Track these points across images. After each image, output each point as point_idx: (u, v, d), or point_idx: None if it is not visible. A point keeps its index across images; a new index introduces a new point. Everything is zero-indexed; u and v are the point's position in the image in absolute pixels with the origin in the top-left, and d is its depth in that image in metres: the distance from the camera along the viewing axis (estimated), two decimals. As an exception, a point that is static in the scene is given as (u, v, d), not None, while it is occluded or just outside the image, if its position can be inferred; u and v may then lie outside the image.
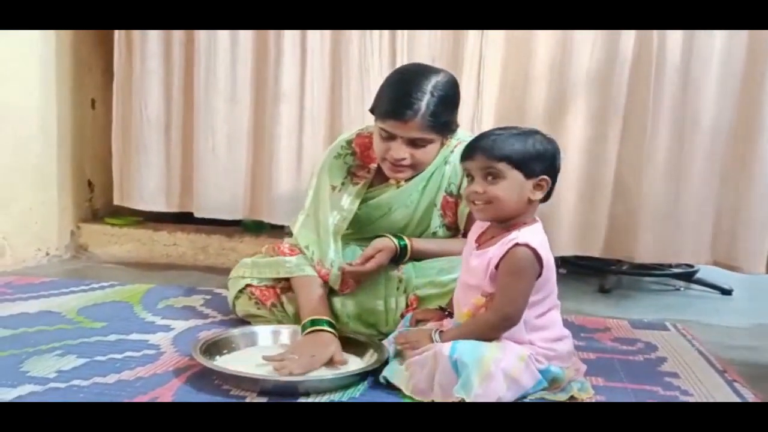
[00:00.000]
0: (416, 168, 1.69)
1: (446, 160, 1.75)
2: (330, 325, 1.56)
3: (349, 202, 1.76)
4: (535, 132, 1.37)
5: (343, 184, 1.77)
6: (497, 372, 1.26)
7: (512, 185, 1.32)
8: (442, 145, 1.70)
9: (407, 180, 1.74)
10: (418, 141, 1.62)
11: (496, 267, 1.32)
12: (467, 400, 1.24)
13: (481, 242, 1.41)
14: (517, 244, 1.31)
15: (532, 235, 1.33)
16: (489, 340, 1.32)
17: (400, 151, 1.62)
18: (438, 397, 1.30)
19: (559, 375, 1.35)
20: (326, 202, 1.76)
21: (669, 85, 2.25)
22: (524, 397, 1.32)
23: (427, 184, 1.76)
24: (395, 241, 1.71)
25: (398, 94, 1.60)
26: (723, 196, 2.28)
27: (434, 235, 1.78)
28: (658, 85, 2.25)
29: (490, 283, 1.34)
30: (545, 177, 1.34)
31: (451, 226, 1.80)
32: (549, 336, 1.37)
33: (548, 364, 1.34)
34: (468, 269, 1.42)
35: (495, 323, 1.33)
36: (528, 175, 1.33)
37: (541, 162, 1.33)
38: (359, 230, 1.83)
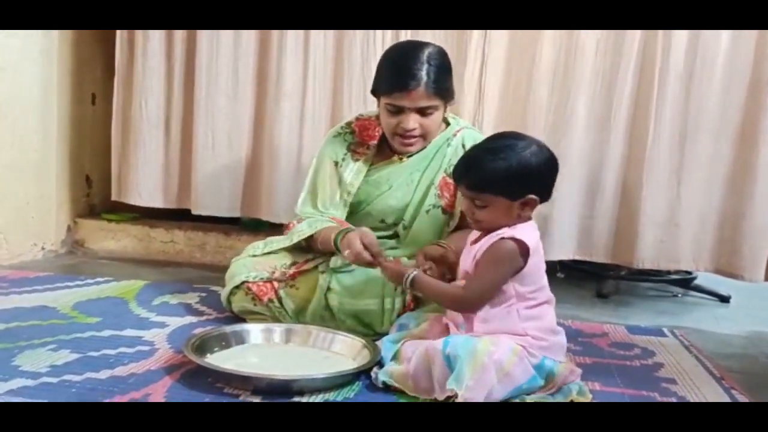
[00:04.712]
0: (426, 138, 1.78)
1: (448, 143, 1.82)
2: None
3: (351, 176, 1.83)
4: (526, 146, 1.36)
5: (344, 159, 1.84)
6: (490, 364, 1.27)
7: (497, 209, 1.36)
8: (445, 110, 1.78)
9: (411, 155, 1.81)
10: (425, 109, 1.71)
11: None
12: (459, 393, 1.24)
13: (476, 241, 1.44)
14: (502, 238, 1.35)
15: (520, 231, 1.36)
16: (444, 306, 1.45)
17: (410, 121, 1.71)
18: (438, 394, 1.31)
19: (553, 370, 1.35)
20: (327, 178, 1.84)
21: (673, 89, 2.24)
22: (518, 393, 1.32)
23: (429, 164, 1.82)
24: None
25: (399, 68, 1.70)
26: (726, 202, 2.27)
27: (427, 213, 1.82)
28: (662, 89, 2.24)
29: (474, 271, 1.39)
30: (532, 196, 1.35)
31: (447, 209, 1.82)
32: (542, 326, 1.38)
33: (542, 357, 1.34)
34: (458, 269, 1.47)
35: (456, 298, 1.40)
36: (513, 198, 1.35)
37: (525, 183, 1.35)
38: (355, 214, 1.85)
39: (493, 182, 1.34)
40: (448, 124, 1.87)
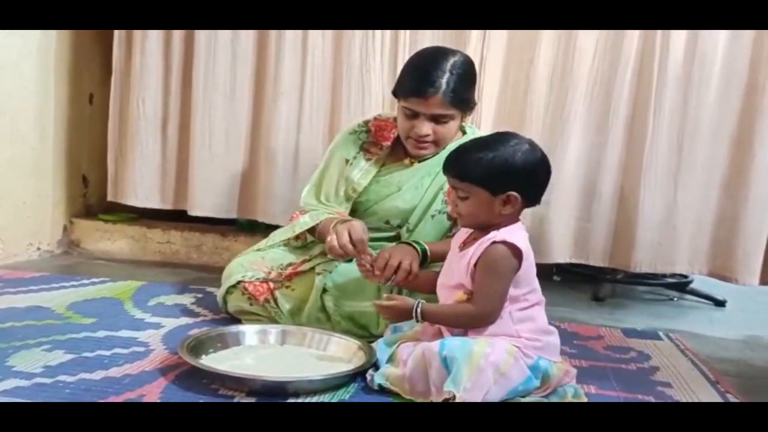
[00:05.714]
0: (439, 144, 1.77)
1: None
2: None
3: (359, 176, 1.83)
4: (516, 143, 1.37)
5: (355, 157, 1.85)
6: (487, 366, 1.27)
7: (477, 202, 1.37)
8: (462, 121, 1.78)
9: (423, 160, 1.81)
10: (439, 117, 1.71)
11: (476, 265, 1.36)
12: (457, 394, 1.24)
13: (464, 245, 1.44)
14: (494, 242, 1.35)
15: (510, 233, 1.36)
16: (461, 327, 1.38)
17: (424, 127, 1.72)
18: (435, 397, 1.31)
19: (548, 370, 1.36)
20: (334, 173, 1.85)
21: (670, 91, 2.24)
22: (514, 395, 1.32)
23: (441, 170, 1.79)
24: (417, 247, 1.70)
25: (419, 73, 1.70)
26: (721, 205, 2.27)
27: (432, 218, 1.81)
28: (660, 92, 2.24)
29: (471, 281, 1.38)
30: (513, 193, 1.35)
31: (451, 216, 1.80)
32: (535, 327, 1.39)
33: (537, 357, 1.35)
34: (447, 272, 1.47)
35: (474, 316, 1.37)
36: (494, 192, 1.36)
37: (507, 179, 1.35)
38: (361, 213, 1.85)
39: (474, 172, 1.36)
40: (464, 132, 1.87)
